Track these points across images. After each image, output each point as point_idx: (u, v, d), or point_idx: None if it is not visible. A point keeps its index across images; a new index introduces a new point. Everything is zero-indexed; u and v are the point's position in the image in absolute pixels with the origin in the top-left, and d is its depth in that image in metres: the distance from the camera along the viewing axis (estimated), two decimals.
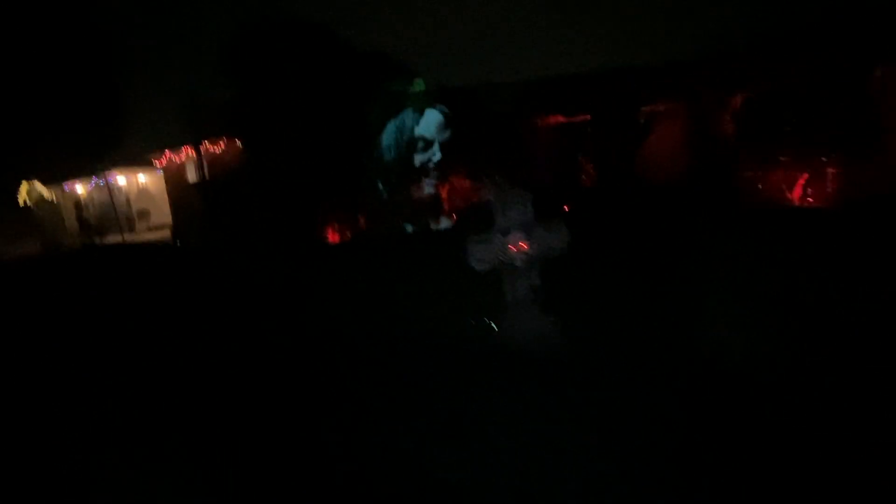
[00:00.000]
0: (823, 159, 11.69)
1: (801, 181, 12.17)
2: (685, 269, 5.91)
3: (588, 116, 14.80)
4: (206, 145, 14.55)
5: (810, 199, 11.99)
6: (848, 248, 6.80)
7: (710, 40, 13.51)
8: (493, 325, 5.48)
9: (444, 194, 13.72)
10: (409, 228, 13.25)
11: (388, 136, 12.97)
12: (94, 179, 20.77)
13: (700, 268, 5.77)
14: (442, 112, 13.20)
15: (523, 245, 4.26)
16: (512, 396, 3.82)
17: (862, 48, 10.77)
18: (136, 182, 21.18)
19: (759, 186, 12.65)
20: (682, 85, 13.69)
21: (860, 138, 11.21)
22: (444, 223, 13.46)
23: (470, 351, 4.79)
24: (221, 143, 14.39)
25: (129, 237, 19.06)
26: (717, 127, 13.61)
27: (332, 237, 13.31)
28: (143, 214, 20.94)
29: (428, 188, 13.35)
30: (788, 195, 12.25)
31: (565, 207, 13.92)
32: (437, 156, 13.15)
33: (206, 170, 14.43)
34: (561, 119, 14.93)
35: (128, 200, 20.83)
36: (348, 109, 12.40)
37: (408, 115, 12.92)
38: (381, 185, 13.16)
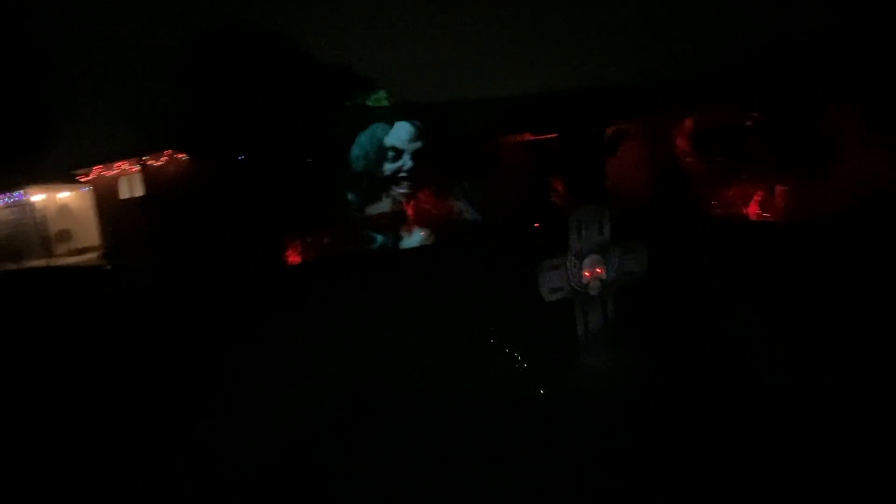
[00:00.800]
0: (779, 178, 12.21)
1: (757, 198, 12.70)
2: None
3: (555, 134, 14.84)
4: (153, 158, 13.05)
5: (767, 215, 12.49)
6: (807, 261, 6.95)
7: (675, 64, 13.94)
8: (518, 358, 4.86)
9: (414, 204, 13.28)
10: (380, 240, 12.73)
11: (357, 146, 12.46)
12: (1, 197, 18.34)
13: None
14: (412, 123, 12.86)
15: (599, 270, 3.70)
16: (582, 448, 3.24)
17: (819, 75, 11.32)
18: (54, 200, 18.83)
19: (719, 203, 13.10)
20: (649, 106, 13.99)
21: (813, 159, 11.76)
22: (416, 234, 13.03)
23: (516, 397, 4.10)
24: (172, 155, 12.94)
25: (45, 262, 16.80)
26: (680, 146, 13.97)
27: (297, 257, 12.26)
28: (64, 236, 18.61)
29: (399, 197, 12.88)
30: (745, 211, 12.74)
31: (536, 224, 13.85)
32: (408, 164, 12.75)
33: (150, 185, 12.91)
34: (529, 136, 14.85)
35: (45, 220, 18.44)
36: (313, 121, 11.62)
37: (378, 127, 12.47)
38: (350, 196, 12.56)
